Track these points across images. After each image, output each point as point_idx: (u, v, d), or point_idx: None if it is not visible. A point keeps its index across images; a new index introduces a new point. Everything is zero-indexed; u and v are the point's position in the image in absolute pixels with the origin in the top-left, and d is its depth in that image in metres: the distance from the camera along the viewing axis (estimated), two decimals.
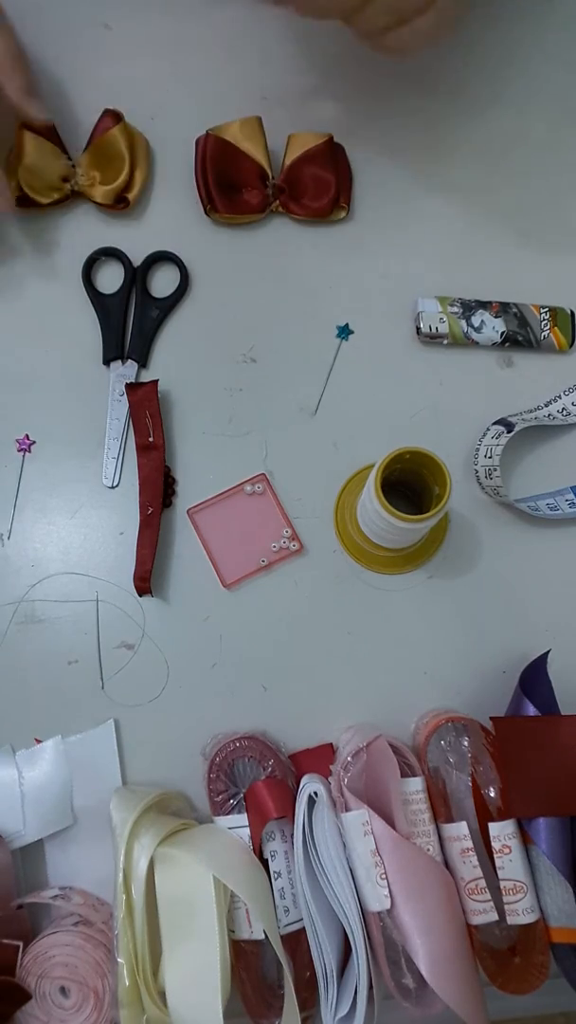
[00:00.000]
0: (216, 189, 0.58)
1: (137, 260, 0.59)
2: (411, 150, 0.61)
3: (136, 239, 0.59)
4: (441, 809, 0.51)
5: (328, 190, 0.59)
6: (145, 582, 0.54)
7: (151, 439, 0.56)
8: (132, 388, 0.56)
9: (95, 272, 0.59)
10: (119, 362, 0.58)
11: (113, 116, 0.58)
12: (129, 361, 0.58)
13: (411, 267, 0.60)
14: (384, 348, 0.59)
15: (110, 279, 0.59)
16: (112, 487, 0.57)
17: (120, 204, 0.58)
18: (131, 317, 0.58)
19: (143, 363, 0.58)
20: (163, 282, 0.59)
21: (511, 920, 0.49)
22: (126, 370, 0.58)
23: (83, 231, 0.59)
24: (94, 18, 0.61)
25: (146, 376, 0.58)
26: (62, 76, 0.60)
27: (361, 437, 0.58)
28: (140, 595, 0.55)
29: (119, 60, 0.61)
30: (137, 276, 0.58)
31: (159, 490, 0.56)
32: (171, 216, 0.60)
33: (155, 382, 0.56)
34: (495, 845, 0.49)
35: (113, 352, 0.58)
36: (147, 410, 0.56)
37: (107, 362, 0.58)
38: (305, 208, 0.59)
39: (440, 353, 0.59)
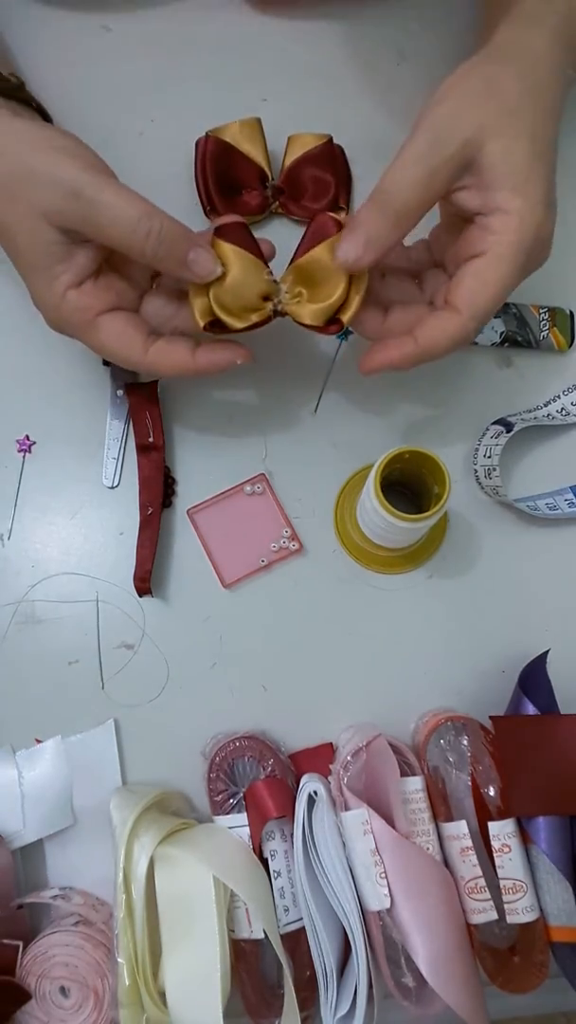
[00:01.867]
0: (216, 191, 0.58)
1: None
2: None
3: None
4: (441, 808, 0.51)
5: (328, 191, 0.59)
6: (145, 582, 0.55)
7: (151, 439, 0.56)
8: (132, 388, 0.56)
9: None
10: None
11: (335, 223, 0.46)
12: None
13: None
14: None
15: None
16: (112, 487, 0.57)
17: (332, 326, 0.48)
18: None
19: None
20: None
21: (511, 919, 0.49)
22: (126, 370, 0.58)
23: None
24: (95, 21, 0.61)
25: (146, 376, 0.58)
26: (62, 79, 0.60)
27: (361, 437, 0.58)
28: (140, 595, 0.55)
29: (119, 61, 0.61)
30: None
31: (159, 490, 0.56)
32: None
33: (155, 382, 0.56)
34: (495, 844, 0.49)
35: None
36: (147, 410, 0.56)
37: (107, 362, 0.58)
38: (305, 209, 0.59)
39: None
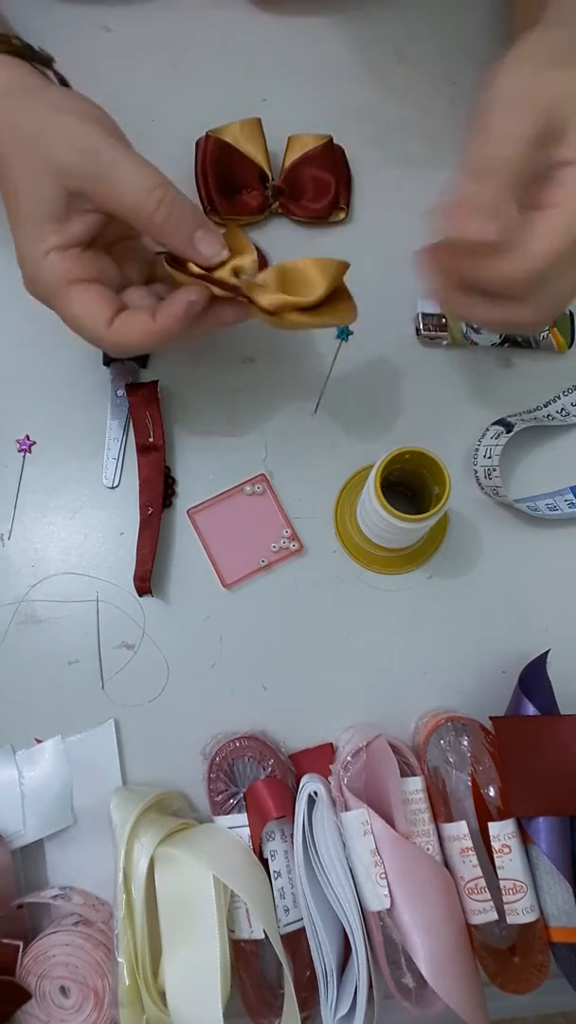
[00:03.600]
0: (216, 191, 0.58)
1: None
2: (411, 151, 0.61)
3: None
4: (441, 809, 0.51)
5: (328, 191, 0.59)
6: (145, 582, 0.55)
7: (151, 439, 0.56)
8: (132, 388, 0.56)
9: None
10: (119, 363, 0.58)
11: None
12: (129, 362, 0.58)
13: (411, 268, 0.60)
14: (384, 348, 0.59)
15: None
16: (112, 487, 0.57)
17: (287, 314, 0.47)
18: None
19: (143, 364, 0.58)
20: None
21: (511, 920, 0.49)
22: (126, 371, 0.58)
23: None
24: (94, 20, 0.61)
25: (146, 376, 0.58)
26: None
27: (361, 437, 0.58)
28: (140, 595, 0.55)
29: (119, 61, 0.61)
30: None
31: (159, 490, 0.56)
32: None
33: (155, 382, 0.56)
34: (495, 845, 0.49)
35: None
36: (147, 410, 0.56)
37: (107, 363, 0.58)
38: (305, 209, 0.59)
39: (440, 354, 0.60)
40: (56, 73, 0.53)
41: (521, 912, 0.48)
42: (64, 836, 0.54)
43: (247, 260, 0.47)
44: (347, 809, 0.49)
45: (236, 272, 0.47)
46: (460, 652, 0.57)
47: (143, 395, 0.56)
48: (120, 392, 0.57)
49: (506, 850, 0.49)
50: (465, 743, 0.52)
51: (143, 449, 0.56)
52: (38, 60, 0.50)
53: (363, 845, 0.48)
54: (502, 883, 0.49)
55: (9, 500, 0.57)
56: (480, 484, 0.58)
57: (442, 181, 0.44)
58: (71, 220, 0.46)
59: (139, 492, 0.56)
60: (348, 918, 0.48)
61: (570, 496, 0.57)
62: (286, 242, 0.60)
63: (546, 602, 0.58)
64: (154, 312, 0.47)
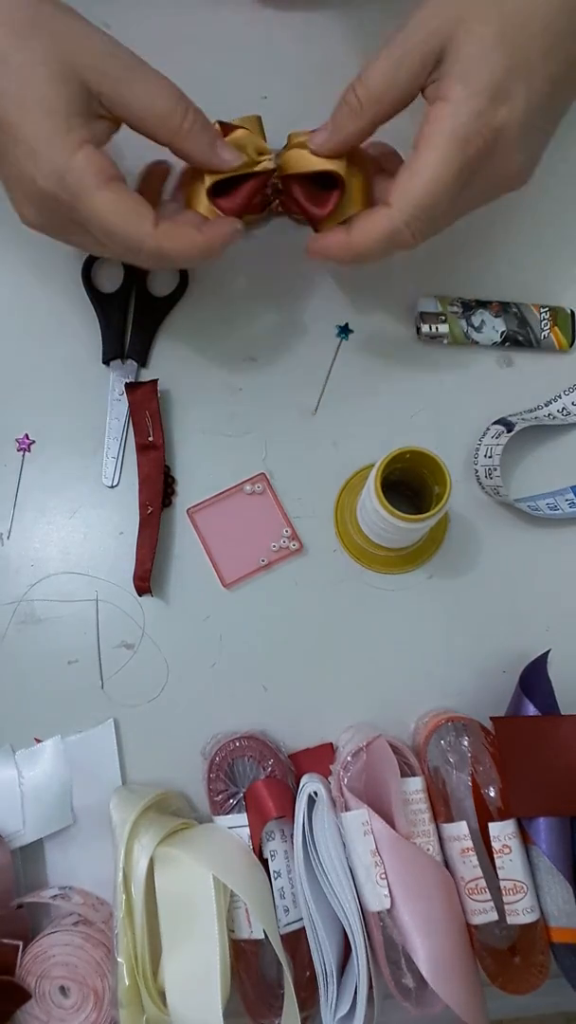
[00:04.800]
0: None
1: None
2: (411, 149, 0.61)
3: None
4: (441, 809, 0.51)
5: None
6: (144, 582, 0.54)
7: (151, 438, 0.56)
8: (132, 387, 0.56)
9: (95, 271, 0.59)
10: (119, 362, 0.58)
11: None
12: (129, 361, 0.58)
13: (411, 267, 0.60)
14: (384, 348, 0.59)
15: (110, 278, 0.59)
16: (112, 487, 0.57)
17: (320, 206, 0.49)
18: (131, 316, 0.58)
19: (143, 363, 0.58)
20: (163, 281, 0.59)
21: (511, 920, 0.49)
22: (126, 370, 0.58)
23: None
24: (94, 17, 0.61)
25: (146, 376, 0.58)
26: None
27: (361, 437, 0.58)
28: (139, 595, 0.55)
29: None
30: (137, 275, 0.58)
31: (159, 490, 0.56)
32: None
33: (155, 381, 0.56)
34: (495, 845, 0.49)
35: (113, 352, 0.57)
36: (147, 409, 0.56)
37: (107, 362, 0.58)
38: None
39: (440, 353, 0.59)
40: None
41: (521, 912, 0.48)
42: (64, 836, 0.54)
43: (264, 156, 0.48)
44: (347, 809, 0.49)
45: (260, 154, 0.48)
46: (460, 652, 0.57)
47: (143, 394, 0.56)
48: (120, 391, 0.57)
49: (506, 850, 0.49)
50: (465, 743, 0.52)
51: (143, 448, 0.56)
52: None
53: (363, 845, 0.48)
54: (502, 883, 0.49)
55: (8, 499, 0.57)
56: (480, 484, 0.58)
57: None
58: (94, 120, 0.43)
59: (139, 491, 0.56)
60: (348, 918, 0.48)
61: (571, 496, 0.57)
62: (286, 241, 0.60)
63: (546, 602, 0.57)
64: (200, 228, 0.45)
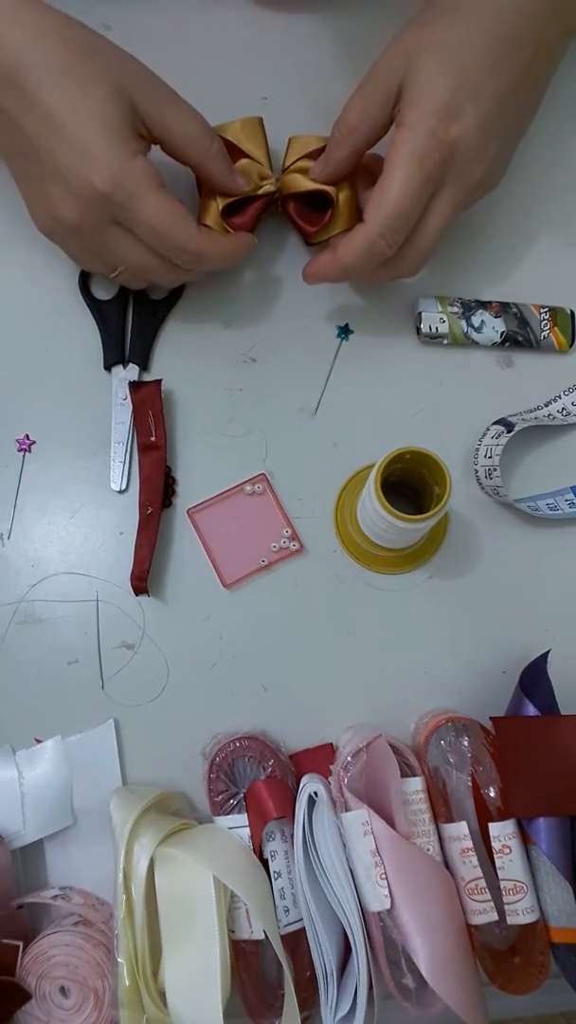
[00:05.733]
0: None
1: None
2: None
3: None
4: (441, 809, 0.51)
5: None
6: (142, 582, 0.54)
7: (153, 438, 0.56)
8: (136, 386, 0.56)
9: (92, 279, 0.59)
10: (120, 367, 0.58)
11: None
12: (131, 365, 0.58)
13: None
14: (384, 348, 0.59)
15: (106, 286, 0.59)
16: (121, 491, 0.57)
17: (314, 223, 0.56)
18: (130, 321, 0.58)
19: (144, 366, 0.58)
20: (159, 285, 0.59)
21: (511, 920, 0.49)
22: (128, 374, 0.58)
23: None
24: (94, 17, 0.61)
25: (147, 378, 0.58)
26: None
27: (361, 437, 0.58)
28: (137, 595, 0.55)
29: None
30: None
31: (159, 490, 0.56)
32: None
33: (159, 381, 0.56)
34: (495, 845, 0.49)
35: (114, 357, 0.57)
36: (150, 409, 0.56)
37: (108, 368, 0.58)
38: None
39: (440, 353, 0.59)
40: None
41: (521, 912, 0.48)
42: (64, 836, 0.54)
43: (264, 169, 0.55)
44: (347, 809, 0.49)
45: (262, 179, 0.54)
46: (460, 652, 0.57)
47: (146, 394, 0.56)
48: (124, 396, 0.57)
49: (506, 850, 0.49)
50: (465, 743, 0.52)
51: (144, 448, 0.56)
52: None
53: (363, 845, 0.48)
54: (502, 883, 0.49)
55: (9, 500, 0.57)
56: (481, 484, 0.58)
57: None
58: (138, 137, 0.49)
59: (139, 491, 0.56)
60: (348, 918, 0.48)
61: (571, 496, 0.57)
62: (286, 242, 0.60)
63: (546, 602, 0.58)
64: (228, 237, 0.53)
